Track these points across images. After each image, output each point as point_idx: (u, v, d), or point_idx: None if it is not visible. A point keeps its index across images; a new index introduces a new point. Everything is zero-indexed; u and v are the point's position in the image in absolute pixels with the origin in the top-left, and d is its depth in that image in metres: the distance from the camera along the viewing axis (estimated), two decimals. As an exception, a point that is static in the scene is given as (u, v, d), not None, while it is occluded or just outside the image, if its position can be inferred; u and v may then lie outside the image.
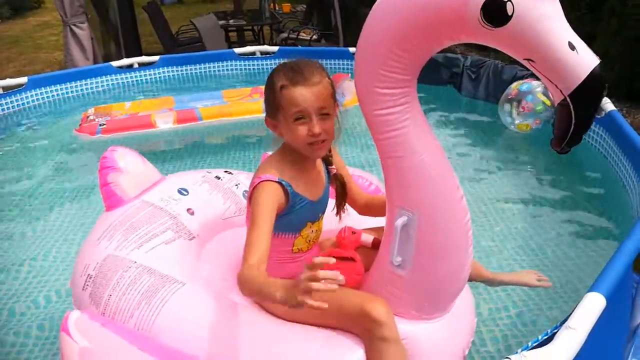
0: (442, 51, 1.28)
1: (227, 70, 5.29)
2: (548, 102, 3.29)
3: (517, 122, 3.44)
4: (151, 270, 1.54)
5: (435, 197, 1.30)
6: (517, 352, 1.22)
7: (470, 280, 1.81)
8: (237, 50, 5.29)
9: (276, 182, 1.35)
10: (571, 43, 1.05)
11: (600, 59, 1.07)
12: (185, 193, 1.90)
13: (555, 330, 1.30)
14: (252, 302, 1.51)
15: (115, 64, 5.03)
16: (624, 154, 2.76)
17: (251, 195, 1.37)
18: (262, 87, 4.37)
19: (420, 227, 1.31)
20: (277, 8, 8.68)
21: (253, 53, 5.25)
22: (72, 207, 2.91)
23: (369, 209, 1.63)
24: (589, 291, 1.41)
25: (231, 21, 6.90)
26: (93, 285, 1.55)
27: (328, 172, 1.54)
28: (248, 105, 4.06)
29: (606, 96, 3.25)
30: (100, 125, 3.79)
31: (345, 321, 1.36)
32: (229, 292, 1.53)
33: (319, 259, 1.07)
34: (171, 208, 1.80)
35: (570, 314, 1.33)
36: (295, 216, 1.42)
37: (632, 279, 1.84)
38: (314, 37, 6.35)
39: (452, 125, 3.92)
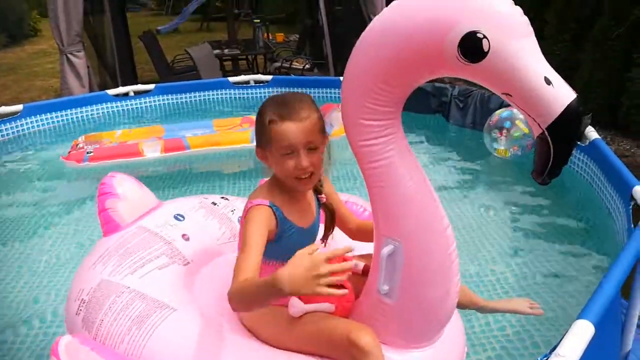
0: (430, 81, 1.33)
1: (222, 98, 5.36)
2: (526, 130, 3.37)
3: (495, 147, 3.56)
4: (143, 296, 1.56)
5: (420, 226, 1.32)
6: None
7: (461, 307, 1.83)
8: (232, 79, 5.38)
9: (267, 205, 1.39)
10: (547, 78, 1.08)
11: (577, 93, 1.10)
12: (181, 219, 1.93)
13: (545, 358, 1.32)
14: (244, 328, 1.52)
15: (111, 92, 5.09)
16: (609, 180, 2.83)
17: (244, 218, 1.40)
18: (252, 117, 4.43)
19: (406, 256, 1.33)
20: (270, 38, 8.85)
21: (247, 82, 5.34)
22: (56, 234, 2.89)
23: (360, 233, 1.65)
24: (577, 318, 1.42)
25: (226, 50, 7.03)
26: (86, 310, 1.57)
27: (318, 200, 1.57)
28: (236, 135, 4.10)
29: (590, 124, 3.34)
30: (87, 152, 3.82)
31: (332, 349, 1.37)
32: (221, 318, 1.55)
33: (338, 250, 1.12)
34: (166, 234, 1.83)
35: (560, 341, 1.34)
36: (284, 243, 1.44)
37: (621, 305, 1.87)
38: (307, 66, 6.47)
39: (440, 153, 3.99)
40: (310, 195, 1.55)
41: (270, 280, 1.13)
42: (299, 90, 5.04)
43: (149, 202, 2.07)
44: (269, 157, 1.43)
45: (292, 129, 1.34)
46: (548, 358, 1.29)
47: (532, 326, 2.02)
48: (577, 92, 1.11)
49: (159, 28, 8.22)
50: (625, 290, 1.76)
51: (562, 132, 1.10)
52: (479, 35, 1.08)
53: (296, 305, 1.44)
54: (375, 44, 1.22)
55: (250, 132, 4.02)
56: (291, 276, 1.11)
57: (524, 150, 3.46)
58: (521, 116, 3.43)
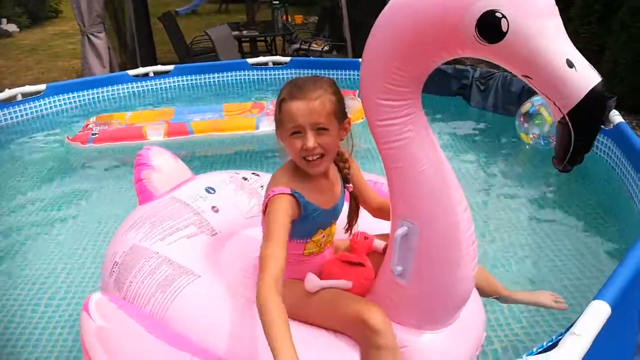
0: (451, 62, 1.31)
1: (240, 79, 5.37)
2: (549, 119, 3.28)
3: (519, 131, 3.50)
4: (170, 262, 1.62)
5: (436, 208, 1.31)
6: (522, 357, 1.25)
7: (484, 296, 1.83)
8: (250, 60, 5.38)
9: (289, 194, 1.38)
10: (569, 60, 1.03)
11: (602, 76, 1.04)
12: (212, 192, 1.99)
13: (560, 337, 1.32)
14: None
15: (131, 72, 5.14)
16: (632, 165, 2.78)
17: (265, 208, 1.40)
18: (263, 102, 4.44)
19: (420, 238, 1.32)
20: (289, 20, 8.80)
21: (266, 63, 5.33)
22: (53, 215, 2.94)
23: (382, 212, 1.64)
24: (594, 299, 1.43)
25: (244, 32, 7.02)
26: (118, 272, 1.65)
27: (344, 183, 1.56)
28: (241, 121, 4.03)
29: (615, 108, 3.27)
30: (92, 134, 3.86)
31: (344, 326, 1.40)
32: (241, 287, 1.60)
33: None
34: (197, 205, 1.89)
35: (575, 320, 1.35)
36: (307, 224, 1.44)
37: (640, 290, 1.86)
38: (326, 48, 6.43)
39: (460, 135, 3.95)
40: (335, 175, 1.53)
41: (279, 347, 1.12)
42: (318, 72, 5.02)
43: (183, 174, 2.16)
44: (282, 137, 1.42)
45: (298, 107, 1.33)
46: (563, 336, 1.29)
47: (548, 310, 2.01)
48: (602, 75, 1.05)
49: (177, 9, 8.21)
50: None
51: (584, 117, 1.04)
52: (497, 14, 1.03)
53: (312, 280, 1.46)
54: (393, 24, 1.19)
55: (255, 118, 3.99)
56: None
57: (546, 140, 3.35)
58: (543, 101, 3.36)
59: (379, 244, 1.57)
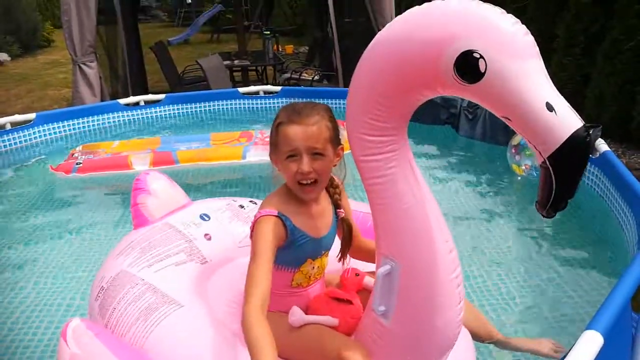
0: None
1: (231, 108, 5.41)
2: None
3: (510, 163, 3.48)
4: (155, 289, 1.59)
5: (419, 248, 1.27)
6: (516, 389, 1.23)
7: (478, 340, 1.79)
8: (241, 89, 5.43)
9: (275, 216, 1.38)
10: (549, 104, 1.01)
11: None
12: (207, 219, 1.98)
13: (554, 368, 1.31)
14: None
15: (122, 101, 5.16)
16: (620, 194, 2.81)
17: (253, 228, 1.40)
18: (252, 132, 4.42)
19: (402, 277, 1.29)
20: (280, 49, 8.93)
21: (257, 92, 5.39)
22: (33, 247, 2.89)
23: (361, 252, 1.62)
24: (586, 329, 1.42)
25: (236, 61, 7.10)
26: (103, 297, 1.64)
27: (336, 214, 1.54)
28: (227, 150, 3.99)
29: (601, 137, 3.33)
30: (77, 164, 3.82)
31: None
32: (227, 319, 1.57)
33: None
34: (189, 232, 1.88)
35: (568, 351, 1.34)
36: (295, 251, 1.43)
37: (632, 318, 1.85)
38: (316, 77, 6.52)
39: (449, 164, 3.98)
40: (327, 205, 1.51)
41: (255, 353, 1.17)
42: (309, 100, 5.07)
43: (179, 200, 2.16)
44: (276, 160, 1.43)
45: (296, 132, 1.34)
46: (557, 368, 1.28)
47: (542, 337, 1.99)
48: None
49: (169, 39, 8.32)
50: (637, 303, 1.74)
51: (565, 162, 1.02)
52: (475, 55, 1.02)
53: (296, 314, 1.43)
54: (376, 60, 1.20)
55: (242, 147, 3.96)
56: None
57: (538, 171, 3.32)
58: None
59: (370, 281, 1.53)
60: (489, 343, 1.84)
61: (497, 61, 1.02)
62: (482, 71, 1.03)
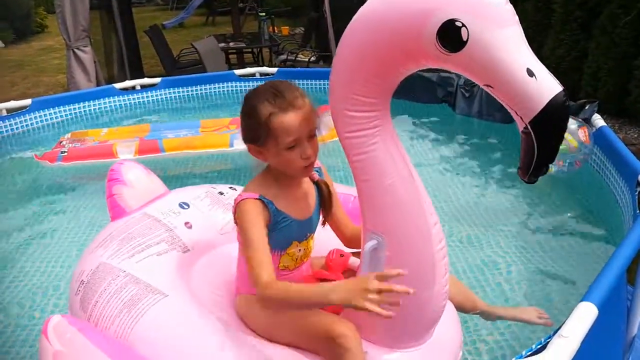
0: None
1: (228, 91, 5.38)
2: (575, 143, 2.91)
3: None
4: (137, 280, 1.57)
5: (404, 222, 1.29)
6: (511, 361, 1.25)
7: (464, 312, 1.80)
8: (237, 71, 5.38)
9: (256, 198, 1.36)
10: (530, 70, 1.04)
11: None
12: (186, 207, 1.95)
13: (549, 340, 1.33)
14: (236, 317, 1.53)
15: (118, 85, 5.12)
16: (616, 168, 2.82)
17: (235, 214, 1.39)
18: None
19: (389, 251, 1.30)
20: (275, 31, 8.84)
21: (253, 74, 5.34)
22: (17, 236, 2.87)
23: (355, 240, 1.57)
24: (581, 300, 1.44)
25: (231, 44, 7.04)
26: (84, 291, 1.60)
27: (319, 193, 1.51)
28: (214, 138, 3.90)
29: (597, 112, 3.32)
30: (61, 152, 3.77)
31: (315, 343, 1.36)
32: (213, 306, 1.55)
33: (393, 272, 1.17)
34: (169, 221, 1.84)
35: (563, 323, 1.36)
36: (279, 234, 1.41)
37: (627, 290, 1.87)
38: (312, 58, 6.47)
39: (446, 142, 3.98)
40: (309, 187, 1.50)
41: (325, 290, 1.21)
42: (305, 82, 5.05)
43: (156, 189, 2.11)
44: (266, 152, 1.37)
45: (295, 119, 1.30)
46: (552, 339, 1.30)
47: (551, 325, 2.01)
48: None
49: (164, 23, 8.21)
50: (631, 276, 1.76)
51: (546, 127, 1.05)
52: (457, 23, 1.05)
53: None
54: (359, 35, 1.20)
55: (230, 135, 3.88)
56: (345, 287, 1.18)
57: (572, 167, 3.04)
58: (572, 127, 2.96)
59: (355, 261, 1.54)
60: (474, 314, 1.86)
61: (478, 29, 1.05)
62: (465, 39, 1.05)
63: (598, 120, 3.16)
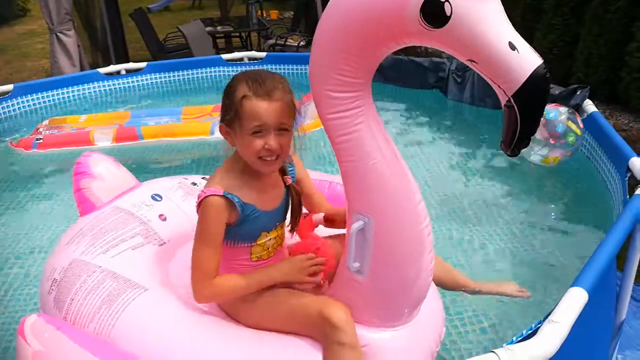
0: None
1: (215, 76, 5.29)
2: (579, 131, 2.92)
3: (544, 154, 2.96)
4: (115, 275, 1.54)
5: (389, 201, 1.31)
6: (502, 347, 1.24)
7: (446, 288, 1.87)
8: (225, 56, 5.30)
9: (221, 195, 1.34)
10: (512, 43, 1.06)
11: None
12: (159, 199, 1.91)
13: (539, 325, 1.32)
14: (218, 308, 1.52)
15: (102, 70, 5.02)
16: (607, 155, 2.81)
17: (198, 209, 1.37)
18: None
19: (376, 231, 1.32)
20: (264, 15, 8.71)
21: (241, 59, 5.26)
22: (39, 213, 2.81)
23: (332, 221, 1.61)
24: (571, 286, 1.43)
25: (219, 28, 6.92)
26: (57, 290, 1.56)
27: (289, 198, 1.51)
28: (195, 126, 3.81)
29: (589, 98, 3.31)
30: (37, 139, 3.68)
31: (306, 326, 1.37)
32: (192, 298, 1.51)
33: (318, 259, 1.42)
34: (142, 214, 1.81)
35: (554, 308, 1.35)
36: (247, 226, 1.40)
37: (616, 276, 1.87)
38: (302, 43, 6.38)
39: (438, 128, 3.96)
40: (276, 176, 1.49)
41: (269, 272, 1.43)
42: (294, 67, 4.98)
43: (126, 182, 2.06)
44: (234, 134, 1.36)
45: (265, 107, 1.30)
46: (542, 324, 1.29)
47: (528, 301, 2.02)
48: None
49: (149, 6, 8.04)
50: (621, 262, 1.76)
51: (529, 99, 1.08)
52: None
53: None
54: (341, 14, 1.19)
55: (211, 123, 3.79)
56: (286, 266, 1.43)
57: (575, 153, 3.00)
58: (566, 114, 2.91)
59: (318, 217, 1.58)
60: (456, 290, 1.93)
61: (461, 4, 1.06)
62: (448, 15, 1.06)
63: (589, 106, 3.15)
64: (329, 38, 1.22)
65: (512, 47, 1.05)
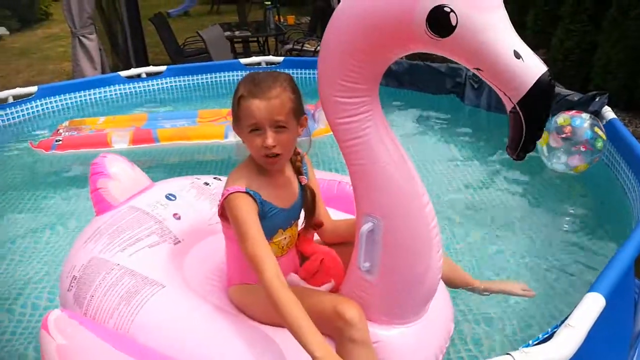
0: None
1: (233, 80, 5.35)
2: (604, 136, 2.89)
3: (575, 163, 2.92)
4: (133, 273, 1.58)
5: (398, 203, 1.34)
6: (518, 350, 1.25)
7: (453, 287, 1.89)
8: (243, 60, 5.36)
9: (244, 192, 1.38)
10: (517, 52, 1.07)
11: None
12: (173, 198, 1.95)
13: (556, 329, 1.33)
14: (231, 305, 1.55)
15: (123, 74, 5.11)
16: (625, 161, 2.80)
17: (223, 207, 1.41)
18: None
19: (385, 232, 1.35)
20: (281, 20, 8.78)
21: (259, 63, 5.32)
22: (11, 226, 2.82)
23: (333, 235, 1.64)
24: (589, 291, 1.44)
25: (237, 32, 7.00)
26: (77, 286, 1.60)
27: (304, 197, 1.55)
28: (210, 129, 3.86)
29: (607, 104, 3.29)
30: (56, 141, 3.75)
31: (319, 322, 1.36)
32: (209, 295, 1.58)
33: None
34: (157, 213, 1.85)
35: (571, 313, 1.35)
36: (266, 223, 1.42)
37: (635, 284, 1.86)
38: (318, 48, 6.42)
39: (454, 133, 3.96)
40: (292, 175, 1.53)
41: (311, 338, 1.21)
42: (311, 71, 5.03)
43: (141, 182, 2.10)
44: (238, 131, 1.43)
45: (257, 106, 1.33)
46: (559, 328, 1.30)
47: (544, 303, 2.02)
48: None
49: (169, 11, 8.18)
50: (639, 270, 1.75)
51: (534, 106, 1.10)
52: (445, 9, 1.08)
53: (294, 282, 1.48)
54: (346, 21, 1.22)
55: (225, 126, 3.83)
56: (319, 352, 1.20)
57: (601, 158, 2.98)
58: (590, 121, 2.90)
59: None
60: (464, 289, 1.95)
61: (466, 14, 1.08)
62: (454, 24, 1.08)
63: (608, 113, 3.13)
64: (336, 44, 1.25)
65: (517, 55, 1.07)
